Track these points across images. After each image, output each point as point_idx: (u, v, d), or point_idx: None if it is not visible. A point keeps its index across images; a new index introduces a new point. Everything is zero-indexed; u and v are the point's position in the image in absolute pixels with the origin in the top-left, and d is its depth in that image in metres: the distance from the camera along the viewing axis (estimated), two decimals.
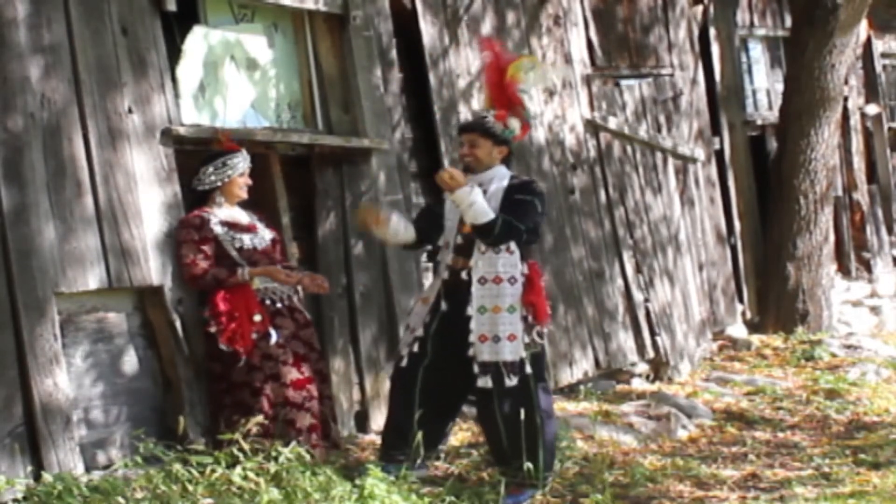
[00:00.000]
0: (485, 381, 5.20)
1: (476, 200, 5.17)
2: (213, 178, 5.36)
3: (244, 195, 5.46)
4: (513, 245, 5.25)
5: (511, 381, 5.16)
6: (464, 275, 5.31)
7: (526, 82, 5.53)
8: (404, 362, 5.40)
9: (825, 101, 9.80)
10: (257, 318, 5.20)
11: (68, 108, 4.98)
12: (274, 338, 5.22)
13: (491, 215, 5.17)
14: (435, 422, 5.40)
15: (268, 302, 5.34)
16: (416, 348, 5.38)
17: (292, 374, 5.23)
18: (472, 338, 5.22)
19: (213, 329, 5.16)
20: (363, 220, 5.52)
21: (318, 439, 5.24)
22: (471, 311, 5.23)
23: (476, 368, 5.21)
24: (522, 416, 5.16)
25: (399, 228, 5.46)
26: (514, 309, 5.21)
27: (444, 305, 5.36)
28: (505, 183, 5.34)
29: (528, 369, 5.19)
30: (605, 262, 8.10)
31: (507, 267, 5.24)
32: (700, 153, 9.35)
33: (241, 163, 5.42)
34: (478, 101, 7.23)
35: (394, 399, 5.48)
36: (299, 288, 5.58)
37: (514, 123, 5.40)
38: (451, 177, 5.21)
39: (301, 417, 5.19)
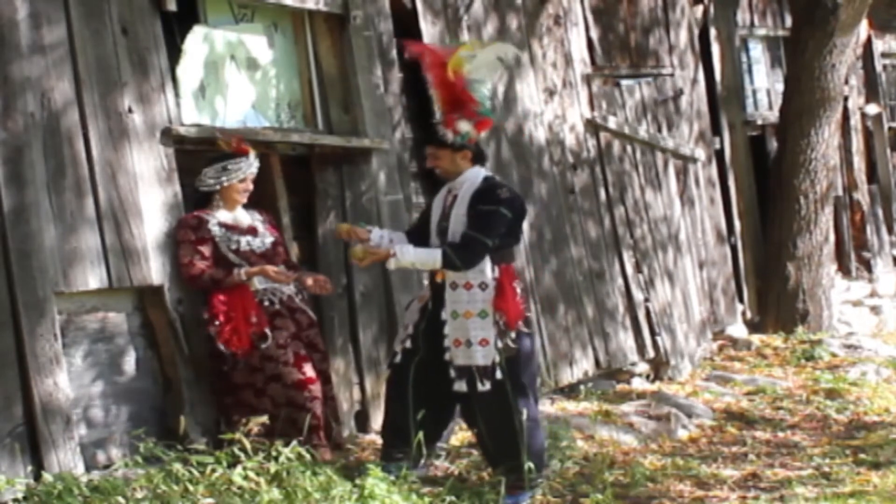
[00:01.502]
0: (460, 385, 5.20)
1: (412, 259, 5.17)
2: (211, 180, 5.34)
3: (243, 200, 5.42)
4: None
5: (483, 386, 5.16)
6: (438, 278, 5.31)
7: (477, 71, 5.33)
8: (398, 358, 5.42)
9: (825, 101, 9.80)
10: (253, 319, 5.20)
11: (68, 108, 4.98)
12: (270, 339, 5.21)
13: (438, 255, 5.15)
14: (431, 419, 5.38)
15: (266, 303, 5.33)
16: (408, 344, 5.39)
17: (294, 374, 5.23)
18: (447, 342, 5.23)
19: (210, 330, 5.16)
20: (343, 236, 5.48)
21: (319, 440, 5.23)
22: (445, 315, 5.24)
23: (452, 372, 5.22)
24: (501, 420, 5.16)
25: (382, 244, 5.36)
26: (486, 314, 5.18)
27: (430, 305, 5.37)
28: (476, 185, 5.28)
29: (499, 374, 5.16)
30: (605, 262, 8.10)
31: (475, 273, 5.20)
32: (700, 153, 9.35)
33: (245, 168, 5.35)
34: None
35: (389, 396, 5.50)
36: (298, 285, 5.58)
37: (464, 126, 5.26)
38: (363, 257, 5.21)
39: (303, 418, 5.18)
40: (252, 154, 5.40)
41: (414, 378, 5.31)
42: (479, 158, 5.39)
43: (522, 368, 5.26)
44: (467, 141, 5.29)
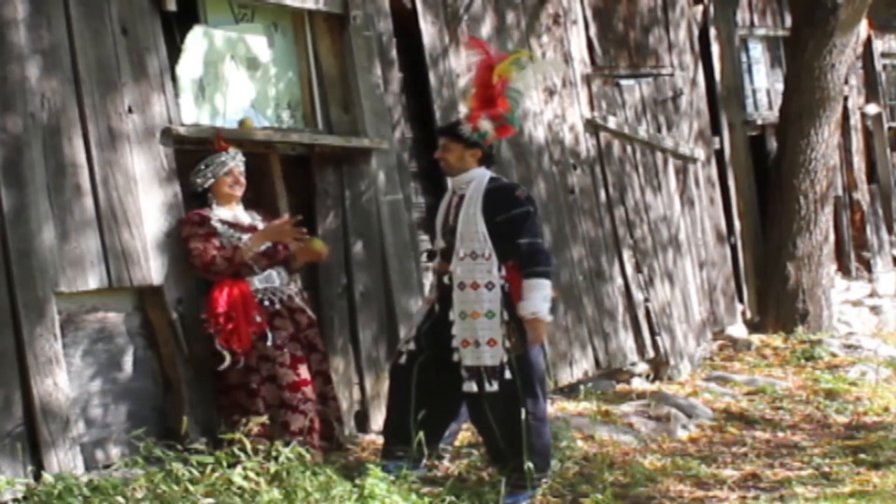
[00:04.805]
0: (469, 386, 5.21)
1: (537, 306, 5.16)
2: (199, 180, 5.35)
3: (236, 193, 5.42)
4: (488, 250, 5.22)
5: (491, 387, 5.16)
6: (446, 279, 5.31)
7: (522, 80, 5.42)
8: (402, 359, 5.43)
9: (825, 100, 9.80)
10: (257, 318, 5.19)
11: (68, 108, 4.98)
12: (270, 340, 5.21)
13: (538, 282, 5.15)
14: (432, 419, 5.39)
15: (266, 303, 5.33)
16: (412, 346, 5.41)
17: (288, 376, 5.22)
18: (456, 343, 5.23)
19: (210, 330, 5.15)
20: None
21: (312, 441, 5.22)
22: (453, 316, 5.24)
23: (464, 373, 5.22)
24: (511, 419, 5.16)
25: None
26: (493, 314, 5.18)
27: (436, 308, 5.38)
28: (483, 185, 5.29)
29: (508, 374, 5.17)
30: (605, 262, 8.10)
31: (482, 273, 5.20)
32: (700, 153, 9.35)
33: (227, 162, 5.35)
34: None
35: (392, 395, 5.52)
36: (299, 285, 5.57)
37: (486, 125, 5.30)
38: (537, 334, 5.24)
39: (295, 419, 5.18)
40: (232, 149, 5.40)
41: (418, 378, 5.32)
42: (486, 160, 5.39)
43: (531, 366, 5.27)
44: (483, 140, 5.31)
